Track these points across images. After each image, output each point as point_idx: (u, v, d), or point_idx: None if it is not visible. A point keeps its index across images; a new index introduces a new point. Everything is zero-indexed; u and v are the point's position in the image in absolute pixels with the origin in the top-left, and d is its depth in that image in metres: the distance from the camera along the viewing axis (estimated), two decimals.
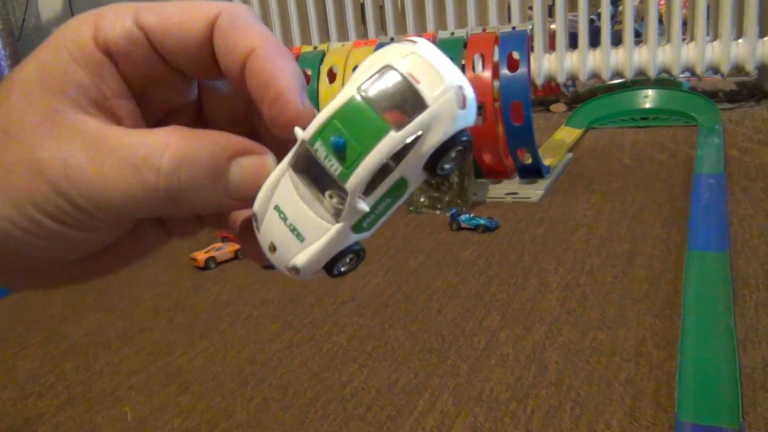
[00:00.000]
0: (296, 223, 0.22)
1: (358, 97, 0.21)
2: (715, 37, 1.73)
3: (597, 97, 1.69)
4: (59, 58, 0.23)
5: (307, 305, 0.78)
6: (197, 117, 0.27)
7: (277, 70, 0.23)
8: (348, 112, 0.21)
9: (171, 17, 0.23)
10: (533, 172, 1.18)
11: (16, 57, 2.26)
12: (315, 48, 1.31)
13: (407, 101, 0.20)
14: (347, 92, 0.21)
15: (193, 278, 0.91)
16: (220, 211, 0.25)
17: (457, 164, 0.22)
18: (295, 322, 0.74)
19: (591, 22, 1.79)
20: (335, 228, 0.21)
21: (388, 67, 0.21)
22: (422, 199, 1.08)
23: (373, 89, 0.21)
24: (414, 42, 0.21)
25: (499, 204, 1.09)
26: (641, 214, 0.96)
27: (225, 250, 0.96)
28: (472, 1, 1.82)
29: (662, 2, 1.94)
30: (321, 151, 0.21)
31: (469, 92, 0.21)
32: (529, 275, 0.79)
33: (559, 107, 1.96)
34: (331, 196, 0.21)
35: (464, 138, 0.21)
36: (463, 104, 0.20)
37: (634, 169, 1.22)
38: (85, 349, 0.73)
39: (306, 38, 2.02)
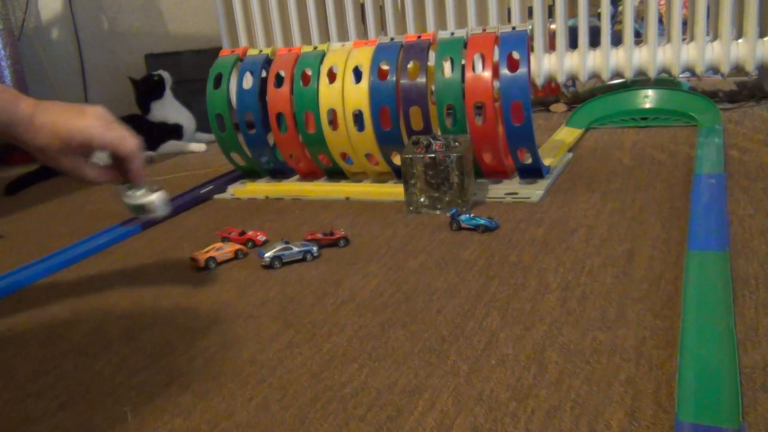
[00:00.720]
0: (129, 201, 0.76)
1: (139, 192, 0.77)
2: (715, 37, 1.73)
3: (597, 97, 1.69)
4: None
5: (307, 305, 0.78)
6: None
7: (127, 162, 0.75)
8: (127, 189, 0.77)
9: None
10: (533, 172, 1.18)
11: (16, 57, 2.26)
12: (315, 48, 1.31)
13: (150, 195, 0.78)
14: (146, 200, 0.77)
15: (193, 278, 0.91)
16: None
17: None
18: (295, 322, 0.74)
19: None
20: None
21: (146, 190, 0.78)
22: (422, 199, 1.08)
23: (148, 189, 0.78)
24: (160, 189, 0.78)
25: (499, 204, 1.09)
26: (641, 214, 0.97)
27: (225, 250, 0.96)
28: (472, 1, 1.82)
29: (662, 2, 1.94)
30: (130, 194, 0.77)
31: (162, 199, 0.77)
32: (529, 275, 0.79)
33: (559, 107, 1.96)
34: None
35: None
36: (155, 205, 0.77)
37: (634, 169, 1.22)
38: (85, 349, 0.73)
39: (306, 38, 2.02)
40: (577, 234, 0.91)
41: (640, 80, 1.83)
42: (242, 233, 1.02)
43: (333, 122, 1.25)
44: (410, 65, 1.19)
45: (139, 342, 0.73)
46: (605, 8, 1.73)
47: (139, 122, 1.99)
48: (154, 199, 0.72)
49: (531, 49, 1.80)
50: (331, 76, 1.24)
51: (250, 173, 1.45)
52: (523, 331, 0.66)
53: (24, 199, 1.59)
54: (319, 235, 0.97)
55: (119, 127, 0.72)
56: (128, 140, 0.71)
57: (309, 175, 1.38)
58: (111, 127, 0.72)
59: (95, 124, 0.71)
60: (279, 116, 1.29)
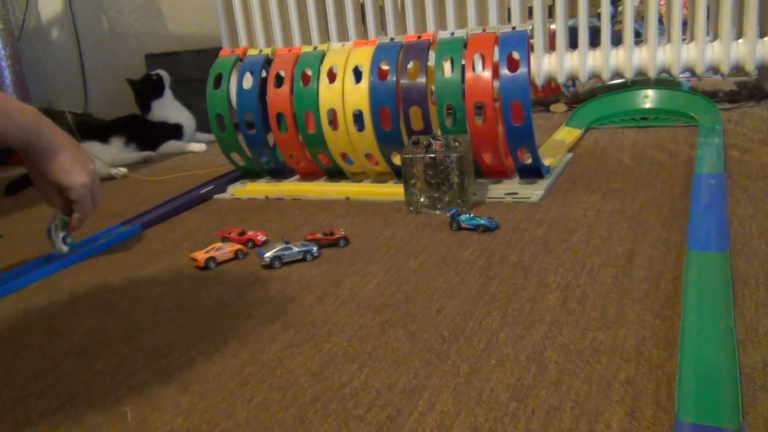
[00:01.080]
0: (51, 231, 1.00)
1: (60, 235, 1.01)
2: (715, 37, 1.73)
3: (597, 97, 1.69)
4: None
5: (307, 305, 0.78)
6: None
7: (76, 204, 0.95)
8: (61, 224, 1.00)
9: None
10: (533, 172, 1.18)
11: (16, 57, 2.26)
12: (315, 48, 1.31)
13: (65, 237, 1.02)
14: (57, 242, 1.01)
15: (193, 278, 0.91)
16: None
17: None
18: (295, 322, 0.74)
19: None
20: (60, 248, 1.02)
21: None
22: (422, 199, 1.08)
23: (64, 237, 1.01)
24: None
25: (499, 204, 1.09)
26: (641, 214, 0.97)
27: (225, 250, 0.96)
28: (472, 1, 1.82)
29: (662, 2, 1.94)
30: (55, 227, 1.00)
31: (64, 251, 1.02)
32: (529, 275, 0.79)
33: (559, 107, 1.96)
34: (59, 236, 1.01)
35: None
36: (59, 251, 1.02)
37: (634, 169, 1.22)
38: (85, 349, 0.73)
39: (306, 38, 2.02)
40: (577, 234, 0.91)
41: (640, 80, 1.83)
42: (242, 233, 1.02)
43: (333, 122, 1.25)
44: (410, 65, 1.19)
45: (139, 342, 0.73)
46: (605, 8, 1.73)
47: (139, 122, 1.99)
48: (59, 247, 1.00)
49: (531, 49, 1.80)
50: (331, 76, 1.24)
51: (250, 173, 1.45)
52: (523, 331, 0.66)
53: (24, 199, 1.59)
54: (319, 235, 0.97)
55: (95, 194, 0.93)
56: (91, 210, 0.94)
57: (309, 175, 1.38)
58: (91, 194, 0.92)
59: (86, 184, 0.90)
60: (279, 116, 1.29)
